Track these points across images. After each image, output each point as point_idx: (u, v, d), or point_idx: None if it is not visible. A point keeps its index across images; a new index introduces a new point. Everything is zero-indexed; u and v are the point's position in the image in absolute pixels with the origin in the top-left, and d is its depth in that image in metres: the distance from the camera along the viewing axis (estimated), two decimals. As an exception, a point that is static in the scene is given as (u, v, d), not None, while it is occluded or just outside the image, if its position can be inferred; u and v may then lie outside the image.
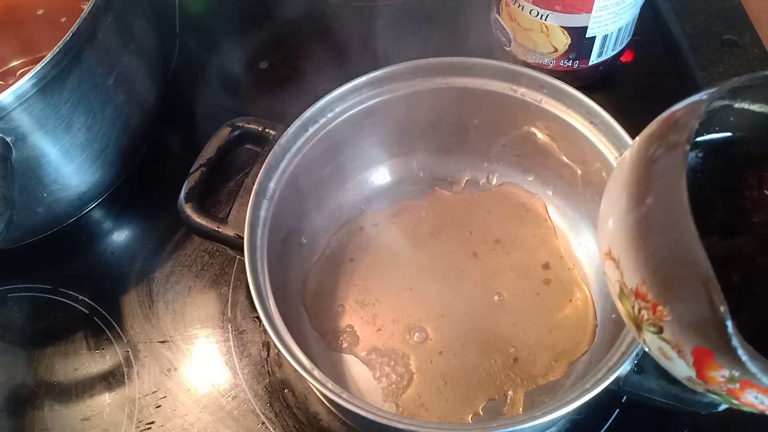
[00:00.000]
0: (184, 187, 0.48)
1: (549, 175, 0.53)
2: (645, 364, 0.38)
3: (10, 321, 0.56)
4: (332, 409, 0.48)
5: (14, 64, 0.58)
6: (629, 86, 0.62)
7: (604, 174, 0.47)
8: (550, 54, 0.57)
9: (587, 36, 0.54)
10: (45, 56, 0.45)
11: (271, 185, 0.47)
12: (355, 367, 0.49)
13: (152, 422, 0.49)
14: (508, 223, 0.54)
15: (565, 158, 0.51)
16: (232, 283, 0.55)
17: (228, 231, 0.46)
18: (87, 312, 0.55)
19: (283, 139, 0.47)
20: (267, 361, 0.51)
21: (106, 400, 0.51)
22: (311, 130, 0.49)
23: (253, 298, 0.41)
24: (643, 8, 0.56)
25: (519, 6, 0.54)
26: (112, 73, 0.53)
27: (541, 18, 0.54)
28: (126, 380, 0.51)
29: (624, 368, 0.38)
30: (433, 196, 0.56)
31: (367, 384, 0.48)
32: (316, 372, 0.39)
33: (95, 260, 0.58)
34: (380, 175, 0.56)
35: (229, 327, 0.53)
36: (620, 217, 0.31)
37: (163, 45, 0.65)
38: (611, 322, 0.46)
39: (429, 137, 0.54)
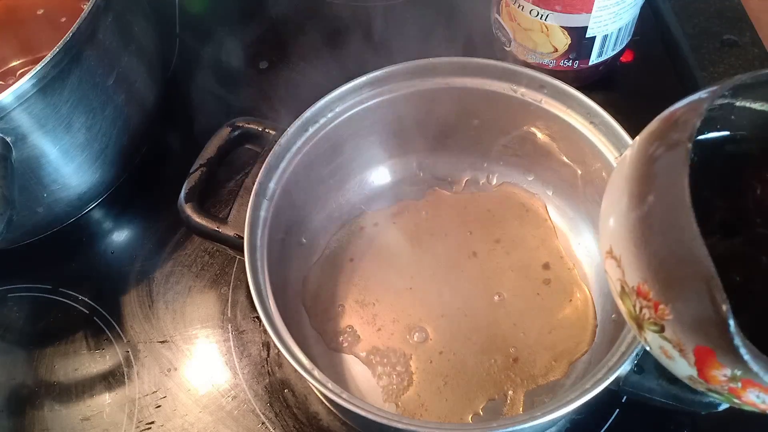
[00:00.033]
0: (184, 187, 0.48)
1: (549, 175, 0.53)
2: (645, 364, 0.38)
3: (10, 321, 0.56)
4: (332, 409, 0.48)
5: (14, 64, 0.58)
6: (629, 86, 0.62)
7: (604, 174, 0.47)
8: (550, 54, 0.57)
9: (587, 36, 0.54)
10: (45, 56, 0.45)
11: (271, 185, 0.47)
12: (355, 367, 0.49)
13: (152, 422, 0.49)
14: (508, 223, 0.54)
15: (565, 158, 0.51)
16: (232, 283, 0.55)
17: (228, 231, 0.46)
18: (87, 312, 0.55)
19: (283, 139, 0.48)
20: (267, 361, 0.51)
21: (106, 400, 0.51)
22: (311, 130, 0.49)
23: (253, 298, 0.41)
24: (643, 8, 0.56)
25: (519, 6, 0.54)
26: (112, 73, 0.53)
27: (541, 18, 0.54)
28: (126, 380, 0.51)
29: (624, 368, 0.38)
30: (433, 196, 0.56)
31: (367, 384, 0.48)
32: (316, 372, 0.39)
33: (95, 260, 0.58)
34: (380, 175, 0.56)
35: (229, 327, 0.53)
36: (621, 216, 0.31)
37: (163, 45, 0.65)
38: (611, 322, 0.46)
39: (429, 137, 0.54)
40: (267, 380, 0.50)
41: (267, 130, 0.50)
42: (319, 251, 0.54)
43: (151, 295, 0.55)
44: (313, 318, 0.51)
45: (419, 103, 0.51)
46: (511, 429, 0.37)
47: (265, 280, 0.43)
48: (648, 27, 0.64)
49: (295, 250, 0.52)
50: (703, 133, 0.34)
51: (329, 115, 0.49)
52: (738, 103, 0.33)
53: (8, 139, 0.47)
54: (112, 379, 0.52)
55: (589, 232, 0.52)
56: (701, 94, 0.30)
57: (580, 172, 0.50)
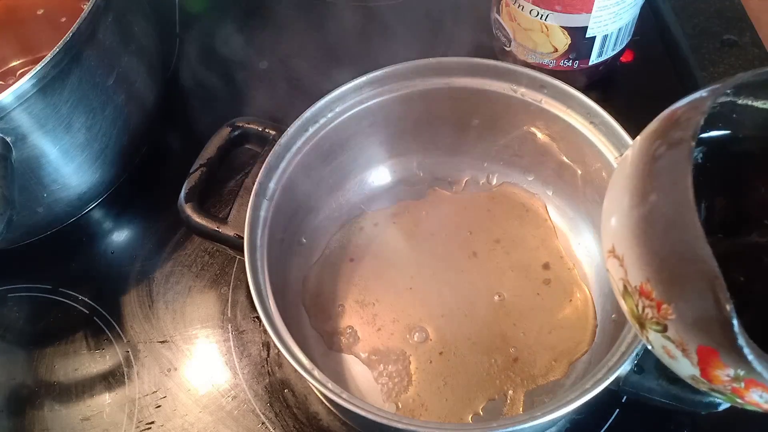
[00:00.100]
0: (184, 187, 0.48)
1: (549, 175, 0.53)
2: (645, 364, 0.38)
3: (10, 321, 0.56)
4: (332, 409, 0.48)
5: (14, 64, 0.58)
6: (629, 86, 0.62)
7: (604, 174, 0.47)
8: (550, 54, 0.57)
9: (587, 36, 0.54)
10: (45, 56, 0.45)
11: (271, 185, 0.47)
12: (355, 367, 0.49)
13: (152, 422, 0.49)
14: (508, 223, 0.54)
15: (565, 158, 0.51)
16: (232, 283, 0.55)
17: (228, 231, 0.46)
18: (87, 312, 0.55)
19: (283, 139, 0.48)
20: (267, 361, 0.51)
21: (106, 400, 0.51)
22: (311, 130, 0.49)
23: (253, 298, 0.41)
24: (643, 8, 0.56)
25: (519, 6, 0.54)
26: (112, 73, 0.53)
27: (541, 18, 0.54)
28: (126, 380, 0.51)
29: (624, 368, 0.38)
30: (433, 196, 0.56)
31: (367, 384, 0.48)
32: (316, 372, 0.39)
33: (95, 260, 0.58)
34: (380, 175, 0.56)
35: (229, 327, 0.53)
36: (623, 215, 0.31)
37: (163, 45, 0.65)
38: (611, 322, 0.46)
39: (429, 137, 0.54)
40: (267, 380, 0.50)
41: (267, 130, 0.50)
42: (319, 251, 0.54)
43: (151, 295, 0.55)
44: (313, 318, 0.51)
45: (419, 103, 0.51)
46: (511, 429, 0.37)
47: (265, 280, 0.43)
48: (648, 27, 0.64)
49: (295, 250, 0.52)
50: (705, 132, 0.34)
51: (329, 115, 0.49)
52: (740, 102, 0.33)
53: (8, 139, 0.47)
54: (112, 379, 0.52)
55: (589, 232, 0.52)
56: (702, 92, 0.30)
57: (580, 172, 0.50)
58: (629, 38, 0.58)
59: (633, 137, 0.44)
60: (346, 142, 0.52)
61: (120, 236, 0.60)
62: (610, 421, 0.47)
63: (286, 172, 0.48)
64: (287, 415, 0.49)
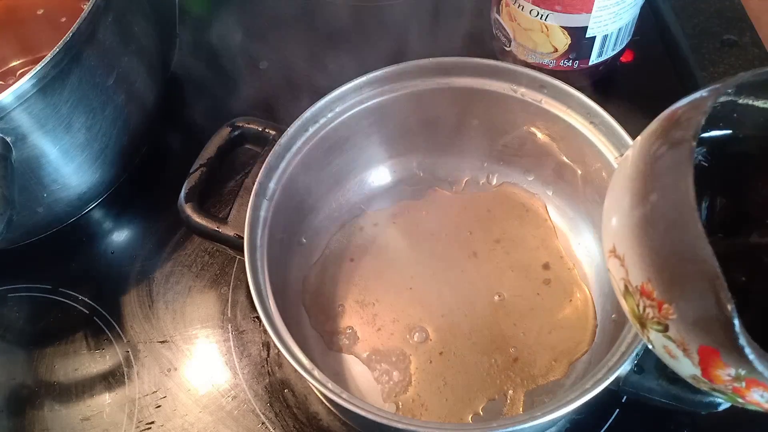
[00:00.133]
0: (184, 187, 0.48)
1: (549, 175, 0.53)
2: (645, 364, 0.38)
3: (10, 321, 0.56)
4: (332, 409, 0.48)
5: (14, 64, 0.58)
6: (629, 86, 0.62)
7: (604, 174, 0.47)
8: (550, 54, 0.57)
9: (587, 36, 0.54)
10: (45, 56, 0.45)
11: (271, 185, 0.47)
12: (355, 367, 0.49)
13: (152, 422, 0.49)
14: (508, 223, 0.54)
15: (565, 158, 0.51)
16: (232, 283, 0.55)
17: (228, 231, 0.46)
18: (87, 312, 0.55)
19: (283, 139, 0.48)
20: (267, 361, 0.51)
21: (106, 400, 0.51)
22: (311, 130, 0.49)
23: (253, 298, 0.41)
24: (643, 8, 0.56)
25: (519, 6, 0.54)
26: (112, 73, 0.53)
27: (541, 18, 0.54)
28: (126, 380, 0.51)
29: (624, 368, 0.38)
30: (433, 196, 0.56)
31: (367, 384, 0.48)
32: (316, 372, 0.39)
33: (95, 260, 0.58)
34: (380, 175, 0.56)
35: (229, 327, 0.53)
36: (624, 215, 0.31)
37: (163, 45, 0.65)
38: (611, 322, 0.46)
39: (429, 137, 0.54)
40: (267, 380, 0.50)
41: (267, 130, 0.50)
42: (319, 251, 0.54)
43: (151, 295, 0.55)
44: (313, 318, 0.51)
45: (419, 103, 0.51)
46: (511, 429, 0.37)
47: (265, 280, 0.43)
48: (648, 27, 0.64)
49: (295, 250, 0.52)
50: (706, 132, 0.34)
51: (329, 115, 0.49)
52: (741, 101, 0.33)
53: (8, 139, 0.47)
54: (112, 379, 0.52)
55: (589, 232, 0.52)
56: (703, 92, 0.30)
57: (580, 172, 0.50)
58: (629, 38, 0.58)
59: (633, 137, 0.44)
60: (346, 142, 0.52)
61: (120, 236, 0.60)
62: (610, 421, 0.47)
63: (286, 172, 0.48)
64: (287, 415, 0.49)
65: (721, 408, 0.38)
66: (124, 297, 0.55)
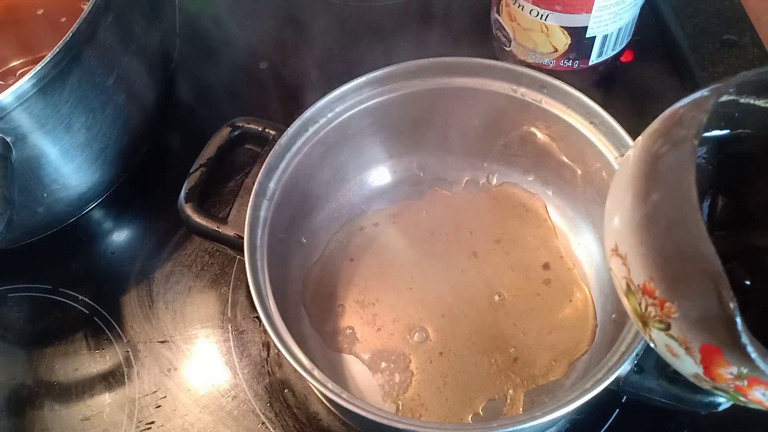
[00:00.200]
0: (184, 187, 0.48)
1: (549, 175, 0.53)
2: (645, 364, 0.38)
3: (10, 321, 0.56)
4: (332, 409, 0.48)
5: (14, 64, 0.58)
6: (629, 86, 0.62)
7: (604, 174, 0.47)
8: (550, 54, 0.57)
9: (587, 36, 0.54)
10: (45, 56, 0.45)
11: (271, 185, 0.47)
12: (355, 367, 0.49)
13: (152, 422, 0.49)
14: (508, 223, 0.54)
15: (565, 158, 0.51)
16: (232, 283, 0.55)
17: (228, 231, 0.46)
18: (87, 312, 0.55)
19: (283, 139, 0.48)
20: (267, 361, 0.51)
21: (106, 400, 0.51)
22: (311, 130, 0.49)
23: (253, 298, 0.41)
24: (643, 8, 0.56)
25: (519, 6, 0.54)
26: (112, 73, 0.53)
27: (541, 18, 0.54)
28: (126, 380, 0.51)
29: (624, 368, 0.38)
30: (433, 196, 0.56)
31: (367, 384, 0.48)
32: (316, 372, 0.39)
33: (95, 260, 0.58)
34: (380, 175, 0.56)
35: (229, 327, 0.53)
36: (626, 214, 0.31)
37: (163, 45, 0.65)
38: (611, 322, 0.46)
39: (429, 137, 0.54)
40: (267, 380, 0.50)
41: (267, 130, 0.50)
42: (319, 251, 0.54)
43: (151, 295, 0.55)
44: (313, 318, 0.51)
45: (419, 103, 0.51)
46: (511, 429, 0.37)
47: (265, 280, 0.43)
48: (648, 27, 0.64)
49: (295, 250, 0.52)
50: (707, 131, 0.34)
51: (329, 115, 0.49)
52: (742, 101, 0.33)
53: (8, 139, 0.47)
54: (112, 379, 0.52)
55: (589, 232, 0.52)
56: (704, 91, 0.30)
57: (580, 172, 0.50)
58: (629, 38, 0.58)
59: (633, 137, 0.44)
60: (346, 142, 0.52)
61: (120, 236, 0.60)
62: (610, 421, 0.47)
63: (286, 172, 0.48)
64: (287, 415, 0.49)
65: (720, 408, 0.38)
66: (124, 297, 0.55)
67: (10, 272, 0.58)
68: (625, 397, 0.47)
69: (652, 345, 0.32)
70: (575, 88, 0.47)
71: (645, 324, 0.31)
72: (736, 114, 0.33)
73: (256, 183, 0.46)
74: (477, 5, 0.64)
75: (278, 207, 0.47)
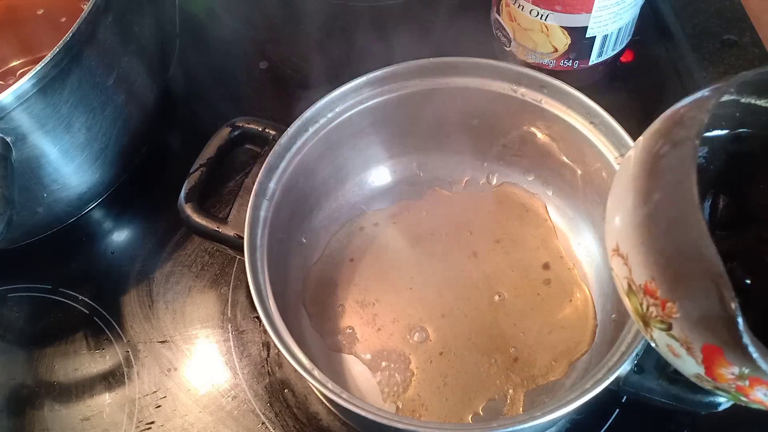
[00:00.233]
0: (184, 187, 0.48)
1: (549, 175, 0.53)
2: (645, 364, 0.38)
3: (10, 321, 0.56)
4: (332, 409, 0.48)
5: (14, 64, 0.58)
6: (629, 86, 0.62)
7: (604, 174, 0.47)
8: (550, 54, 0.57)
9: (587, 36, 0.54)
10: (45, 56, 0.45)
11: (271, 185, 0.47)
12: (355, 367, 0.49)
13: (152, 422, 0.49)
14: (508, 223, 0.54)
15: (565, 158, 0.51)
16: (232, 283, 0.55)
17: (228, 231, 0.46)
18: (87, 312, 0.55)
19: (283, 139, 0.48)
20: (267, 361, 0.51)
21: (106, 400, 0.51)
22: (311, 130, 0.49)
23: (253, 298, 0.41)
24: (643, 8, 0.56)
25: (519, 6, 0.54)
26: (112, 73, 0.53)
27: (541, 18, 0.54)
28: (126, 380, 0.51)
29: (624, 368, 0.38)
30: (433, 196, 0.56)
31: (367, 384, 0.48)
32: (316, 372, 0.39)
33: (95, 260, 0.58)
34: (380, 175, 0.56)
35: (229, 327, 0.53)
36: (628, 214, 0.31)
37: (163, 45, 0.65)
38: (611, 322, 0.46)
39: (429, 137, 0.54)
40: (267, 380, 0.50)
41: (267, 130, 0.50)
42: (319, 251, 0.54)
43: (151, 295, 0.55)
44: (313, 318, 0.51)
45: (419, 103, 0.51)
46: (511, 429, 0.37)
47: (265, 280, 0.43)
48: (648, 27, 0.64)
49: (295, 250, 0.52)
50: (708, 131, 0.34)
51: (329, 115, 0.49)
52: (743, 100, 0.33)
53: (8, 139, 0.47)
54: (112, 379, 0.52)
55: (589, 232, 0.52)
56: (704, 92, 0.30)
57: (580, 172, 0.50)
58: (629, 38, 0.58)
59: (633, 137, 0.44)
60: (346, 142, 0.52)
61: (120, 236, 0.60)
62: (610, 421, 0.47)
63: (286, 172, 0.48)
64: (287, 415, 0.49)
65: (720, 408, 0.38)
66: (124, 297, 0.55)
67: (10, 272, 0.58)
68: (625, 397, 0.47)
69: (653, 345, 0.32)
70: (575, 88, 0.47)
71: (646, 324, 0.31)
72: (737, 114, 0.33)
73: (256, 183, 0.46)
74: (477, 5, 0.64)
75: (278, 207, 0.47)
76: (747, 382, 0.27)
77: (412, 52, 0.51)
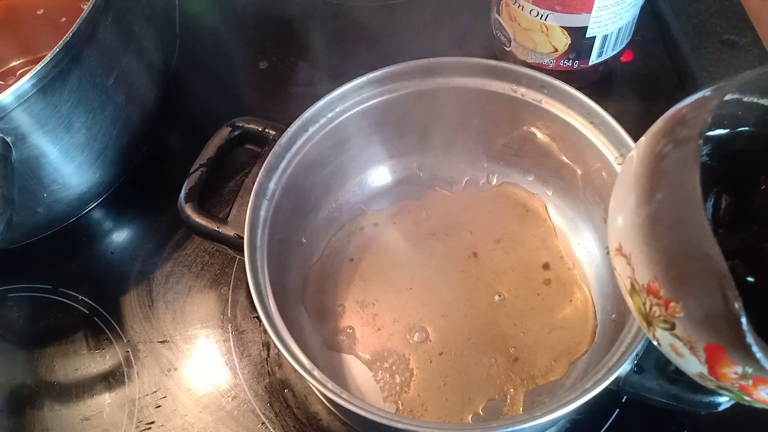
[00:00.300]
0: (184, 187, 0.48)
1: (549, 175, 0.53)
2: (645, 364, 0.38)
3: (10, 321, 0.56)
4: (332, 409, 0.48)
5: (14, 64, 0.58)
6: (629, 86, 0.62)
7: (604, 174, 0.47)
8: (550, 54, 0.57)
9: (587, 36, 0.54)
10: (45, 56, 0.45)
11: (271, 185, 0.47)
12: (355, 367, 0.49)
13: (152, 422, 0.49)
14: (508, 223, 0.54)
15: (565, 158, 0.51)
16: (232, 283, 0.55)
17: (228, 231, 0.46)
18: (87, 312, 0.55)
19: (283, 139, 0.48)
20: (267, 361, 0.51)
21: (106, 400, 0.51)
22: (311, 130, 0.49)
23: (253, 298, 0.41)
24: (643, 8, 0.56)
25: (519, 6, 0.54)
26: (112, 73, 0.53)
27: (541, 18, 0.54)
28: (126, 380, 0.51)
29: (624, 368, 0.38)
30: (433, 196, 0.56)
31: (367, 384, 0.48)
32: (316, 372, 0.39)
33: (95, 260, 0.58)
34: (380, 175, 0.56)
35: (229, 327, 0.53)
36: (630, 214, 0.31)
37: (163, 45, 0.65)
38: (611, 322, 0.46)
39: (429, 137, 0.54)
40: (267, 380, 0.50)
41: (267, 130, 0.50)
42: (319, 251, 0.54)
43: (151, 295, 0.55)
44: (313, 318, 0.51)
45: (419, 103, 0.51)
46: (511, 429, 0.37)
47: (265, 280, 0.43)
48: (648, 27, 0.64)
49: (295, 250, 0.52)
50: (710, 130, 0.34)
51: (329, 115, 0.49)
52: (745, 99, 0.33)
53: (8, 139, 0.47)
54: (112, 379, 0.52)
55: (589, 232, 0.52)
56: (706, 91, 0.30)
57: (580, 172, 0.50)
58: (629, 38, 0.58)
59: (633, 137, 0.44)
60: (346, 142, 0.52)
61: (120, 236, 0.60)
62: (610, 421, 0.47)
63: (286, 172, 0.48)
64: (287, 415, 0.49)
65: (721, 408, 0.38)
66: (124, 297, 0.55)
67: (10, 272, 0.58)
68: (625, 397, 0.47)
69: (656, 345, 0.32)
70: (575, 88, 0.47)
71: (649, 324, 0.31)
72: (739, 113, 0.33)
73: (256, 183, 0.46)
74: (477, 5, 0.64)
75: (278, 207, 0.47)
76: (750, 382, 0.27)
77: (412, 52, 0.52)
